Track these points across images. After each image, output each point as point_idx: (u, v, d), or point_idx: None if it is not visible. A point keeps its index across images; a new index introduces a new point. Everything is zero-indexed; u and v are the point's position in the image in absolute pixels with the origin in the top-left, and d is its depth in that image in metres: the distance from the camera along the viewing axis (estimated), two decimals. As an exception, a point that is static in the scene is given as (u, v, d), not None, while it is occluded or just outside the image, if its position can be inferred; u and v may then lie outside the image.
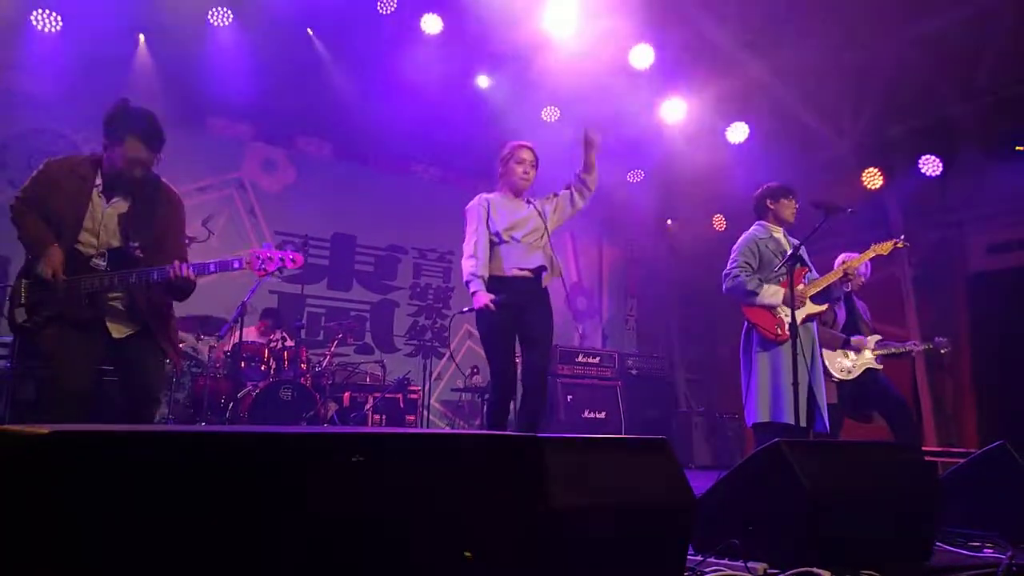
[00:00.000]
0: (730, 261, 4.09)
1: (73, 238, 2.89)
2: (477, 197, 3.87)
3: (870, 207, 6.89)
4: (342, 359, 6.98)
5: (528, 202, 3.82)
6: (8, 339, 4.21)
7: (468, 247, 3.76)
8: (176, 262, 2.88)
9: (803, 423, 3.66)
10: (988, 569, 2.26)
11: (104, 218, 2.93)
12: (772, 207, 4.14)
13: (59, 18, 5.94)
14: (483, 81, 7.14)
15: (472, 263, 3.69)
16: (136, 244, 2.91)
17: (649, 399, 8.21)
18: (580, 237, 9.70)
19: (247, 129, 7.83)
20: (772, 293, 3.92)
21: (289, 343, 6.16)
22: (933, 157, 6.58)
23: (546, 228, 3.78)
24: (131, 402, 3.00)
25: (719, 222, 8.38)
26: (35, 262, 2.87)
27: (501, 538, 1.39)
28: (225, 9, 6.15)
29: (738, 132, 7.29)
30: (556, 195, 3.91)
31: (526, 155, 3.82)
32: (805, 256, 4.04)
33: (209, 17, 6.14)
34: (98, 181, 2.94)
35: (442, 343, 8.67)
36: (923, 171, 6.62)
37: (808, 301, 3.96)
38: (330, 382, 6.34)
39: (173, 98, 6.90)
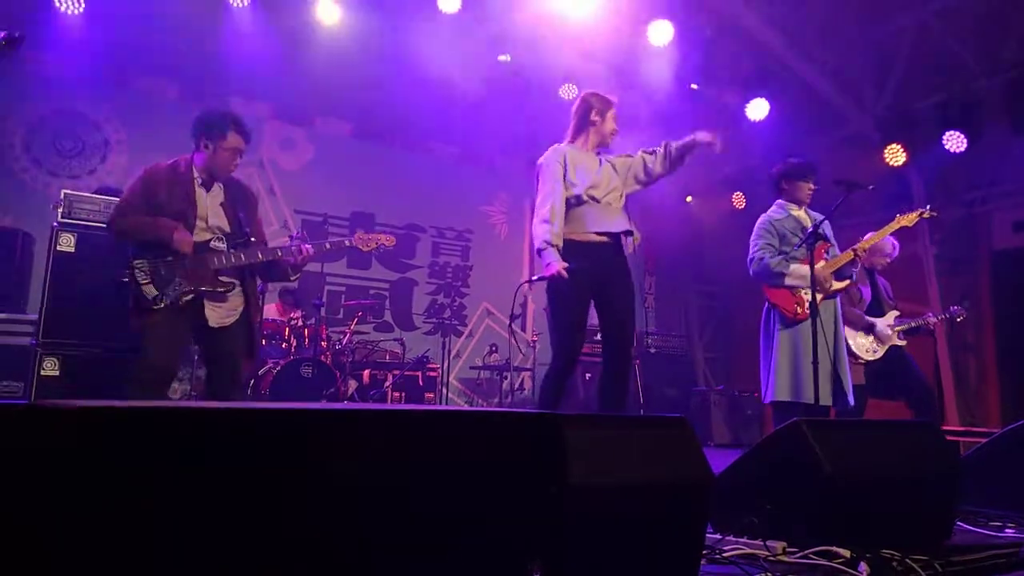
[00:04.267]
0: (751, 245, 4.05)
1: (190, 224, 3.17)
2: (551, 149, 3.52)
3: (893, 184, 6.78)
4: (362, 337, 7.03)
5: (598, 155, 3.55)
6: (33, 316, 4.28)
7: (544, 210, 3.36)
8: (298, 243, 3.28)
9: (824, 401, 3.64)
10: (1010, 549, 2.24)
11: (209, 206, 3.25)
12: (786, 187, 4.10)
13: (82, 0, 5.98)
14: (501, 59, 7.08)
15: (545, 228, 3.31)
16: (248, 228, 3.26)
17: (668, 377, 8.22)
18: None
19: (266, 108, 7.84)
20: (800, 275, 3.86)
21: (310, 321, 6.21)
22: (957, 133, 6.45)
23: (623, 186, 3.51)
24: (217, 389, 3.24)
25: (739, 200, 8.30)
26: (155, 247, 3.11)
27: (520, 515, 1.41)
28: (243, -12, 6.15)
29: (758, 108, 7.19)
30: (630, 156, 3.60)
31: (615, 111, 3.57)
32: (828, 233, 4.00)
33: (228, -3, 6.14)
34: (195, 175, 3.26)
35: (460, 321, 8.70)
36: (947, 147, 6.50)
37: (831, 278, 3.91)
38: (350, 360, 6.39)
39: (193, 78, 6.95)
